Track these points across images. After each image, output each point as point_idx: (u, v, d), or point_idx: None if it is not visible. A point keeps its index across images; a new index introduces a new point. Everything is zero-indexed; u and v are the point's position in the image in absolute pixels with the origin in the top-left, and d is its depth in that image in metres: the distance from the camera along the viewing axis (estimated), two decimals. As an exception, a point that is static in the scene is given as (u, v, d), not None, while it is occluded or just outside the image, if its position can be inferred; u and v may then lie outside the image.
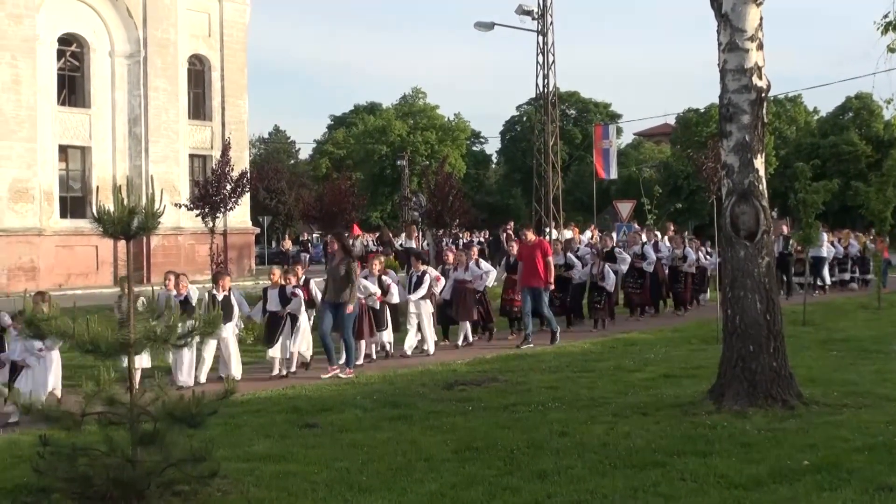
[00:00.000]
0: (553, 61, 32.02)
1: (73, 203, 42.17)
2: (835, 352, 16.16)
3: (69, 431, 8.15)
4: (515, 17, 32.40)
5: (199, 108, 46.85)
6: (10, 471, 9.00)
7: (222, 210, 29.13)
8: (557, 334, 18.73)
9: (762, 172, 11.19)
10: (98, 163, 42.28)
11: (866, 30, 11.66)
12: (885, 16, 11.13)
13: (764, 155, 11.30)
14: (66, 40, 41.81)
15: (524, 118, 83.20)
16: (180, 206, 29.91)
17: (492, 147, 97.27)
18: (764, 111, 11.29)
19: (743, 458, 8.69)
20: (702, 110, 74.01)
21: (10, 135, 38.47)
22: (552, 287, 18.86)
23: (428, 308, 18.19)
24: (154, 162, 43.23)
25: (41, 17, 39.95)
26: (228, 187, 28.84)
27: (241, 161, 46.85)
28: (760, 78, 11.13)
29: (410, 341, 17.89)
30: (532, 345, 18.01)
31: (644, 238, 24.43)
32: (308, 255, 48.06)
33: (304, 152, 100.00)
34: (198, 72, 46.72)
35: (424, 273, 18.25)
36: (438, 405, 11.85)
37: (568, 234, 31.15)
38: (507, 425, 10.48)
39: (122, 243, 8.78)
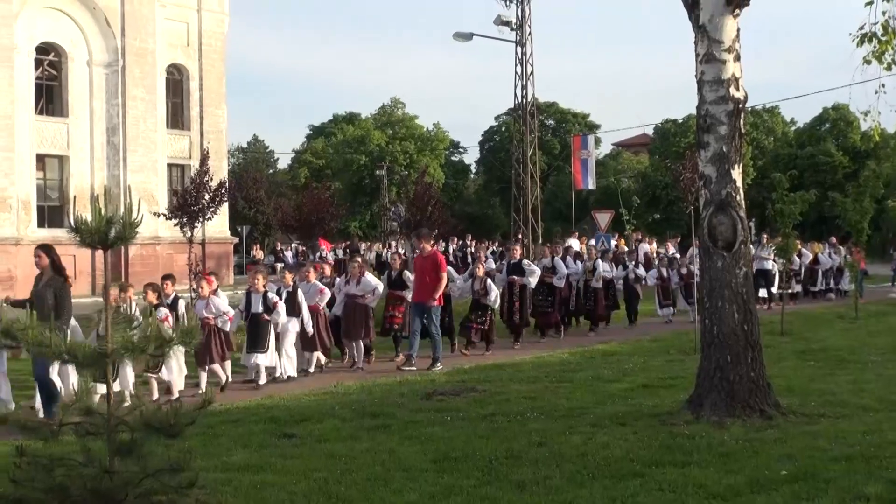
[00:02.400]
0: (531, 72, 32.16)
1: (51, 212, 41.93)
2: (812, 362, 16.25)
3: (46, 442, 8.09)
4: (494, 28, 32.58)
5: (177, 117, 46.70)
6: (-15, 482, 8.93)
7: (201, 220, 29.04)
8: (439, 361, 16.80)
9: (739, 183, 11.24)
10: (76, 172, 42.04)
11: (843, 41, 11.66)
12: (861, 27, 11.17)
13: (741, 166, 11.36)
14: (43, 49, 41.59)
15: (503, 128, 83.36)
16: (159, 216, 29.84)
17: (471, 157, 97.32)
18: (741, 122, 11.34)
19: (721, 469, 8.71)
20: (680, 121, 74.36)
21: (-13, 144, 38.25)
22: (434, 303, 16.96)
23: (294, 326, 16.01)
24: (132, 171, 43.04)
25: (19, 26, 39.74)
26: (207, 197, 28.74)
27: (219, 170, 46.68)
28: (738, 89, 11.19)
29: (266, 361, 15.59)
30: (415, 368, 16.43)
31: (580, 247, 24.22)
32: (282, 265, 47.93)
33: (283, 162, 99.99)
34: (176, 81, 46.57)
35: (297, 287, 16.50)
36: (417, 415, 11.84)
37: (574, 243, 31.23)
38: (486, 435, 10.47)
39: (100, 253, 8.73)
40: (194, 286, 16.65)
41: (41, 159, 41.69)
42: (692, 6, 11.46)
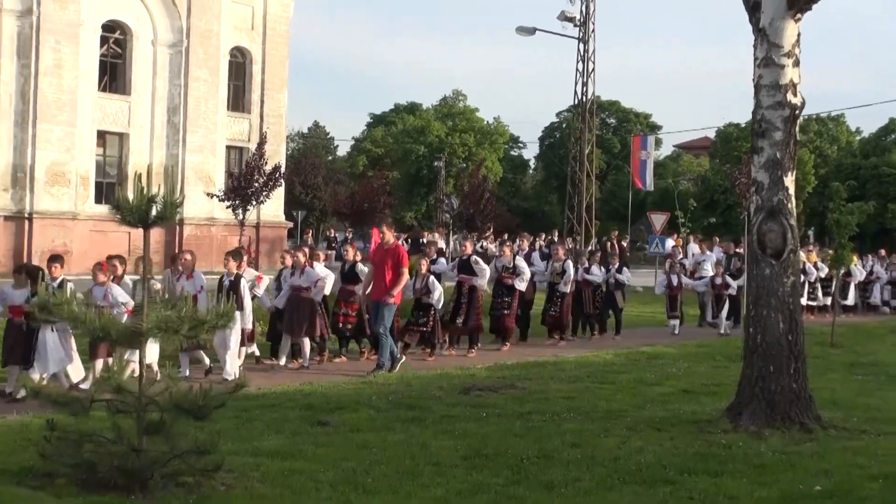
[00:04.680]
0: (593, 69, 31.94)
1: (109, 189, 42.30)
2: (860, 375, 15.95)
3: (77, 417, 8.14)
4: (558, 24, 32.37)
5: (238, 100, 46.96)
6: (18, 454, 8.97)
7: (253, 203, 29.14)
8: (386, 366, 15.22)
9: (792, 191, 11.05)
10: (135, 150, 42.43)
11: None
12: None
13: (794, 173, 11.14)
14: (109, 27, 42.01)
15: (563, 125, 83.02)
16: (212, 197, 29.97)
17: (530, 152, 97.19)
18: (797, 129, 11.15)
19: (755, 480, 8.55)
20: (742, 125, 73.53)
21: (51, 118, 38.73)
22: (391, 301, 15.31)
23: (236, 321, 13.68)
24: (191, 151, 43.40)
25: (86, 3, 40.16)
26: (260, 181, 28.83)
27: (277, 155, 47.01)
28: (795, 95, 10.99)
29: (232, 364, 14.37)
30: (385, 370, 15.09)
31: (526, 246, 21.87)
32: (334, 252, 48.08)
33: (343, 149, 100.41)
34: (239, 64, 46.84)
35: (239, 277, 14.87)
36: (453, 409, 11.77)
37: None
38: (520, 433, 10.38)
39: (155, 231, 8.79)
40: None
41: (102, 136, 42.14)
42: (753, 8, 11.26)
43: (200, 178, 42.81)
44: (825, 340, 20.56)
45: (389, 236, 15.74)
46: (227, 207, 29.22)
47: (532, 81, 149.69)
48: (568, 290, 19.97)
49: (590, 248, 30.22)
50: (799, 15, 10.94)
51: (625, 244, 38.34)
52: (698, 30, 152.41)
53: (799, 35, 11.03)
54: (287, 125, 79.53)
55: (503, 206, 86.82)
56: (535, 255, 21.38)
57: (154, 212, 8.25)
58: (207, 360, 14.95)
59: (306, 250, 16.42)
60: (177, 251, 40.97)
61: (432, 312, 17.01)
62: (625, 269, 22.33)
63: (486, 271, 18.19)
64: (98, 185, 41.96)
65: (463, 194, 33.07)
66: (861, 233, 57.50)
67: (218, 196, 29.25)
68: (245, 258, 15.44)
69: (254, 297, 15.62)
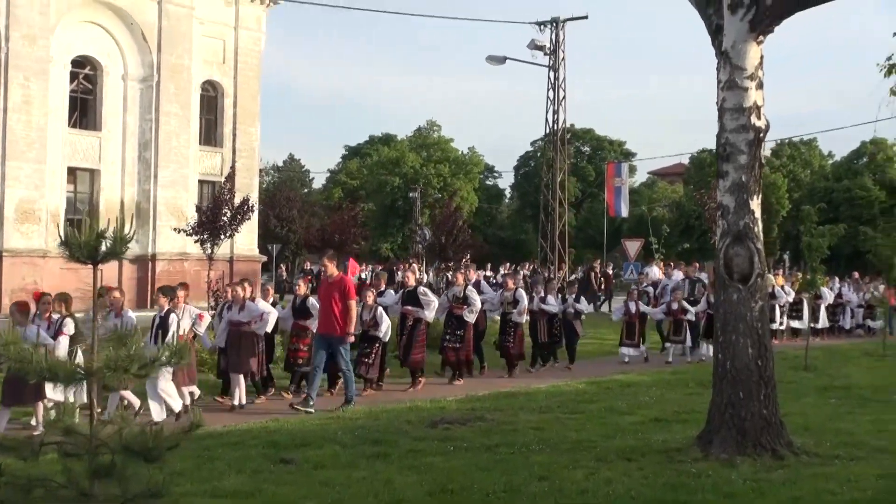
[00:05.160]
0: (563, 97, 31.89)
1: (80, 226, 41.87)
2: (833, 399, 15.80)
3: (26, 461, 7.87)
4: (528, 53, 32.33)
5: (210, 134, 46.74)
6: (-32, 499, 8.71)
7: (222, 237, 28.88)
8: (352, 401, 14.95)
9: (758, 214, 10.93)
10: (106, 186, 42.13)
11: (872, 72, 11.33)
12: (889, 58, 10.86)
13: (760, 196, 11.02)
14: (79, 62, 41.74)
15: (538, 154, 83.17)
16: (179, 231, 29.72)
17: (506, 182, 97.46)
18: (762, 152, 11.05)
19: (725, 510, 8.39)
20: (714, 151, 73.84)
21: (20, 155, 38.31)
22: (350, 338, 15.15)
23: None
24: (163, 187, 43.15)
25: (55, 39, 39.90)
26: (229, 214, 28.59)
27: (250, 188, 46.78)
28: (759, 118, 10.88)
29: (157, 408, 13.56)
30: (312, 409, 14.39)
31: (472, 277, 20.82)
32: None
33: (318, 181, 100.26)
34: (210, 98, 46.66)
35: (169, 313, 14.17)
36: (420, 444, 11.55)
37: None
38: (487, 467, 10.18)
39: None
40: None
41: (72, 172, 41.76)
42: (716, 31, 11.19)
43: (173, 213, 42.52)
44: (799, 364, 20.46)
45: (332, 269, 15.22)
46: (196, 242, 28.93)
47: (507, 111, 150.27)
48: (522, 321, 19.58)
49: (545, 276, 29.90)
50: (761, 37, 10.86)
51: (609, 272, 38.30)
52: (671, 56, 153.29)
53: (762, 58, 10.95)
54: (261, 158, 79.29)
55: (479, 236, 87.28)
56: (484, 284, 20.84)
57: (104, 247, 8.01)
58: (137, 402, 14.25)
59: (246, 285, 15.89)
60: (150, 287, 41.13)
61: (377, 345, 16.58)
62: (582, 298, 21.98)
63: (433, 303, 17.64)
64: (69, 222, 41.55)
65: (435, 224, 32.90)
66: (835, 256, 57.74)
67: (185, 231, 28.96)
68: (182, 294, 14.66)
69: (195, 336, 15.05)
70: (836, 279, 31.10)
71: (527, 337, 20.35)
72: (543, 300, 20.42)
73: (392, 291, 18.22)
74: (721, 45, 10.98)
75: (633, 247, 39.75)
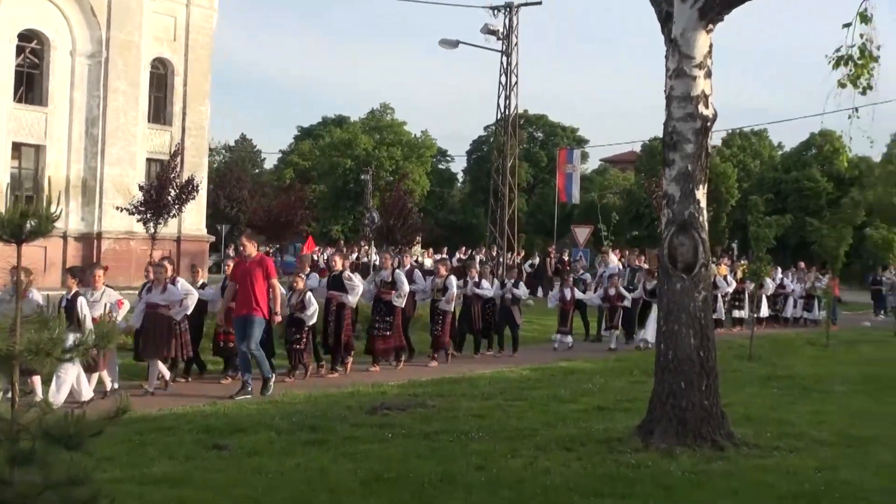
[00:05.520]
0: (516, 82, 31.68)
1: (25, 202, 41.27)
2: (776, 389, 15.83)
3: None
4: (482, 37, 32.07)
5: (159, 112, 46.08)
6: None
7: (165, 216, 28.47)
8: (271, 382, 14.46)
9: (703, 204, 10.83)
10: (52, 162, 41.39)
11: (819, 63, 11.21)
12: (838, 49, 10.77)
13: (706, 186, 10.93)
14: (26, 36, 40.93)
15: (491, 139, 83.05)
16: (122, 210, 29.23)
17: (459, 166, 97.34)
18: (709, 141, 10.95)
19: (662, 502, 8.28)
20: (667, 139, 73.99)
21: (-38, 130, 37.69)
22: (276, 319, 14.94)
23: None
24: (109, 164, 42.47)
25: (1, 12, 39.18)
26: (173, 193, 28.18)
27: (199, 167, 46.31)
28: (707, 107, 10.78)
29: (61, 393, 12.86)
30: (250, 394, 14.14)
31: (407, 262, 20.28)
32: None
33: (270, 162, 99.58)
34: (160, 75, 45.99)
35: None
36: (358, 430, 11.37)
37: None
38: (424, 455, 10.02)
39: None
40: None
41: (17, 148, 40.99)
42: (665, 19, 11.07)
43: (119, 191, 41.88)
44: (743, 353, 20.53)
45: (251, 249, 14.67)
46: (139, 221, 28.53)
47: (461, 95, 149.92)
48: (450, 308, 19.11)
49: (480, 260, 29.80)
50: (711, 26, 10.75)
51: (566, 258, 38.24)
52: (625, 44, 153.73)
53: (711, 46, 10.84)
54: (212, 138, 78.42)
55: (430, 220, 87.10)
56: (417, 272, 20.16)
57: (29, 226, 7.74)
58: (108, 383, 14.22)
59: (168, 266, 15.35)
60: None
61: (306, 330, 16.24)
62: (521, 283, 21.68)
63: (357, 288, 17.19)
64: (15, 198, 40.87)
65: (383, 207, 32.71)
66: (782, 246, 58.15)
67: (128, 209, 28.55)
68: (99, 275, 14.16)
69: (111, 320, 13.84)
70: (779, 269, 31.22)
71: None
72: (478, 285, 20.06)
73: (316, 275, 17.80)
74: (670, 33, 10.85)
75: (582, 233, 39.79)
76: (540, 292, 35.52)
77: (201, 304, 15.98)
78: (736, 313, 28.02)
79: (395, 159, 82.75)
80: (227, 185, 71.49)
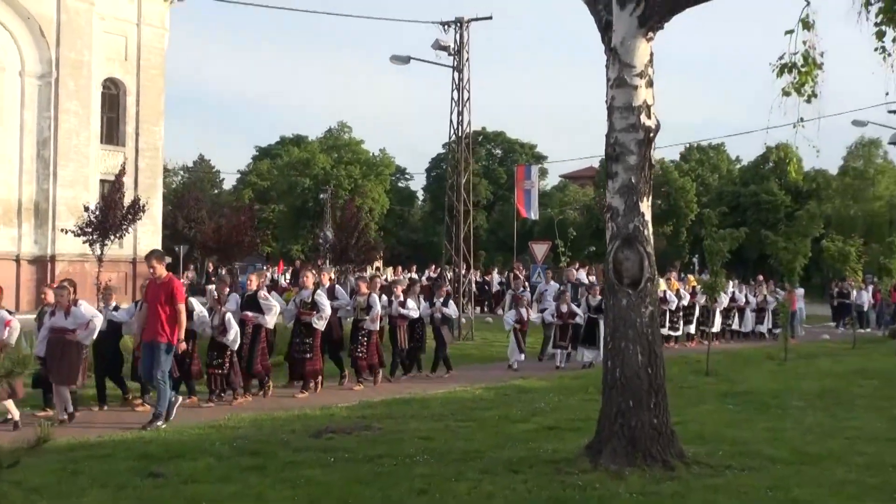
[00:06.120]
0: (468, 98, 31.45)
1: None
2: (731, 405, 15.60)
3: None
4: (443, 55, 31.75)
5: (112, 132, 45.61)
6: None
7: (112, 237, 28.00)
8: (161, 418, 13.40)
9: (648, 217, 10.57)
10: (2, 184, 40.86)
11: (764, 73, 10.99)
12: (781, 57, 10.56)
13: (650, 198, 10.68)
14: (-27, 58, 40.46)
15: (450, 156, 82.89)
16: (67, 232, 28.73)
17: (418, 184, 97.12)
18: (652, 152, 10.71)
19: (608, 526, 8.01)
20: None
21: (-90, 152, 37.04)
22: (181, 346, 13.82)
23: None
24: (62, 186, 41.97)
25: (-53, 33, 38.66)
26: (120, 214, 27.75)
27: (154, 188, 45.89)
28: (649, 117, 10.54)
29: None
30: (163, 423, 13.30)
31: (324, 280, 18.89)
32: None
33: (229, 182, 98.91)
34: (112, 95, 45.52)
35: None
36: (300, 455, 11.00)
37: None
38: (367, 480, 9.68)
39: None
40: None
41: (-33, 170, 40.45)
42: (605, 28, 10.84)
43: (73, 213, 41.18)
44: (701, 369, 20.34)
45: (161, 270, 13.73)
46: (85, 242, 28.06)
47: (421, 113, 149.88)
48: (375, 328, 18.26)
49: (408, 278, 29.47)
50: (651, 34, 10.52)
51: (513, 275, 37.95)
52: (582, 58, 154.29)
53: (652, 55, 10.61)
54: (170, 158, 77.72)
55: (390, 238, 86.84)
56: (339, 289, 19.40)
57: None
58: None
59: (70, 288, 14.51)
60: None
61: (228, 353, 15.61)
62: (451, 302, 21.12)
63: (274, 308, 16.52)
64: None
65: (336, 226, 32.38)
66: (742, 259, 58.35)
67: (73, 231, 28.06)
68: None
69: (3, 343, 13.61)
70: (730, 282, 31.07)
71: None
72: (403, 304, 19.29)
73: (236, 295, 17.14)
74: (610, 42, 10.63)
75: (540, 250, 39.58)
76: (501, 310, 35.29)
77: (116, 327, 15.42)
78: (687, 328, 27.77)
79: (354, 178, 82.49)
80: (185, 206, 70.82)
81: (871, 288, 38.31)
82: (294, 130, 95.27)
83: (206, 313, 15.60)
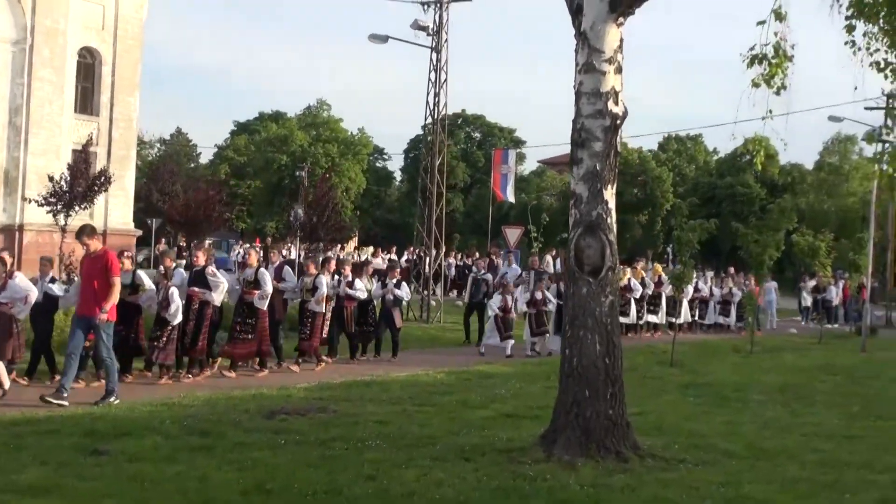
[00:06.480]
0: (445, 80, 31.24)
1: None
2: (692, 397, 15.51)
3: None
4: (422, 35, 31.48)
5: (86, 102, 45.19)
6: None
7: (77, 208, 27.68)
8: (114, 394, 13.04)
9: (612, 204, 10.41)
10: (-28, 151, 40.47)
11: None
12: (752, 48, 10.41)
13: (615, 186, 10.52)
14: (-55, 21, 39.96)
15: (426, 137, 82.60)
16: (29, 201, 28.40)
17: (396, 164, 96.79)
18: (618, 139, 10.55)
19: (555, 518, 7.87)
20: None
21: None
22: (104, 318, 13.02)
23: None
24: (33, 154, 41.53)
25: (-80, -5, 38.13)
26: (83, 185, 27.44)
27: (127, 160, 45.53)
28: (617, 104, 10.37)
29: None
30: (66, 402, 12.65)
31: (275, 259, 18.70)
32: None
33: (206, 156, 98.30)
34: (87, 65, 45.09)
35: None
36: (251, 436, 10.81)
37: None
38: (315, 464, 9.51)
39: None
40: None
41: (-65, 135, 40.00)
42: (576, 12, 10.63)
43: (43, 182, 40.78)
44: (665, 360, 20.28)
45: (94, 245, 13.29)
46: (48, 213, 27.75)
47: (400, 94, 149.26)
48: (320, 309, 17.77)
49: (359, 258, 29.20)
50: (622, 19, 10.35)
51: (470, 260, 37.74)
52: (563, 42, 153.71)
53: (622, 41, 10.43)
54: (147, 131, 77.20)
55: (367, 218, 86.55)
56: (287, 270, 18.80)
57: None
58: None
59: (6, 256, 14.33)
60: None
61: (168, 328, 15.18)
62: (403, 284, 20.70)
63: (221, 285, 16.04)
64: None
65: (307, 204, 32.20)
66: (715, 251, 58.40)
67: (36, 201, 27.75)
68: None
69: None
70: (695, 273, 30.96)
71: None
72: (350, 285, 18.87)
73: (182, 270, 16.76)
74: (580, 26, 10.44)
75: (513, 234, 39.31)
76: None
77: (52, 300, 15.01)
78: (651, 318, 27.65)
79: (332, 156, 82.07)
80: (160, 179, 70.20)
81: (841, 283, 38.40)
82: (274, 107, 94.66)
83: (153, 288, 15.31)
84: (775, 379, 18.36)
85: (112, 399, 12.99)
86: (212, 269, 16.28)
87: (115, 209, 43.82)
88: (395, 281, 20.27)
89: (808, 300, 38.13)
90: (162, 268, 16.11)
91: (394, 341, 19.91)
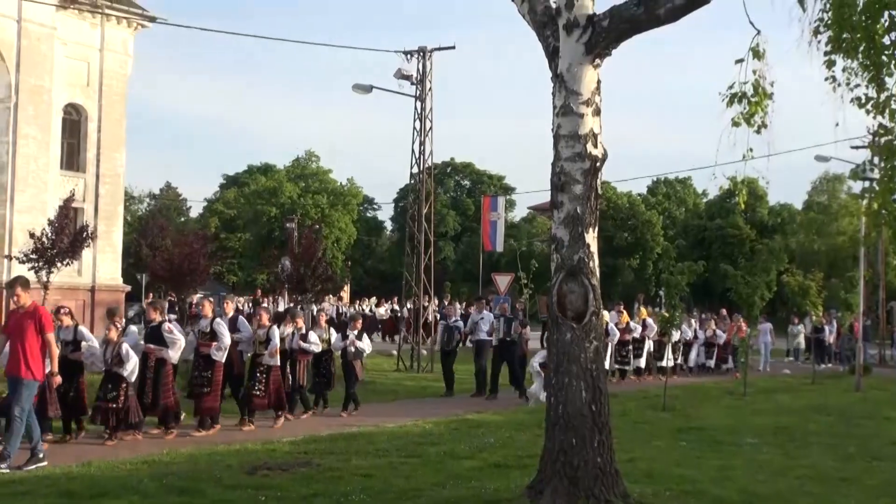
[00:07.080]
0: (430, 128, 31.22)
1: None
2: (685, 442, 15.30)
3: None
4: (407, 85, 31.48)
5: (73, 158, 44.97)
6: None
7: (59, 264, 27.48)
8: (10, 456, 12.08)
9: (594, 248, 10.24)
10: (-43, 209, 40.23)
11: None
12: (731, 86, 10.30)
13: (597, 229, 10.35)
14: (-70, 81, 39.88)
15: (413, 186, 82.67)
16: (11, 259, 28.20)
17: (386, 214, 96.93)
18: (599, 182, 10.40)
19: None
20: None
21: None
22: (56, 380, 12.91)
23: None
24: (19, 212, 41.21)
25: None
26: (67, 240, 27.26)
27: (115, 215, 45.30)
28: (596, 146, 10.22)
29: None
30: (44, 462, 12.32)
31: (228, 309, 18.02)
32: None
33: (196, 210, 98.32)
34: (73, 121, 44.91)
35: None
36: (231, 493, 10.55)
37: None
38: (295, 521, 9.27)
39: None
40: None
41: (-78, 195, 39.78)
42: (552, 54, 10.52)
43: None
44: (657, 404, 20.04)
45: (25, 298, 12.53)
46: (30, 270, 27.54)
47: (389, 143, 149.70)
48: (275, 363, 16.79)
49: (312, 309, 28.87)
50: (598, 61, 10.22)
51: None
52: (548, 91, 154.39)
53: (599, 83, 10.31)
54: (135, 186, 77.15)
55: (358, 269, 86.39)
56: (242, 320, 17.92)
57: None
58: None
59: None
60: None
61: (124, 386, 14.49)
62: (364, 335, 19.68)
63: (178, 342, 15.42)
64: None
65: (294, 255, 32.05)
66: (708, 293, 58.27)
67: (17, 258, 27.56)
68: None
69: None
70: (685, 315, 30.73)
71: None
72: (304, 338, 18.20)
73: (134, 328, 16.28)
74: (557, 68, 10.32)
75: (503, 281, 39.20)
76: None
77: None
78: (637, 362, 27.36)
79: (321, 207, 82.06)
80: (150, 234, 70.04)
81: (834, 322, 38.22)
82: (263, 159, 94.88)
83: (96, 344, 14.88)
84: (769, 421, 18.16)
85: (2, 466, 11.94)
86: (168, 325, 15.74)
87: (104, 265, 43.59)
88: (356, 332, 19.36)
89: (799, 340, 38.07)
90: (109, 328, 15.24)
91: (347, 394, 18.94)
